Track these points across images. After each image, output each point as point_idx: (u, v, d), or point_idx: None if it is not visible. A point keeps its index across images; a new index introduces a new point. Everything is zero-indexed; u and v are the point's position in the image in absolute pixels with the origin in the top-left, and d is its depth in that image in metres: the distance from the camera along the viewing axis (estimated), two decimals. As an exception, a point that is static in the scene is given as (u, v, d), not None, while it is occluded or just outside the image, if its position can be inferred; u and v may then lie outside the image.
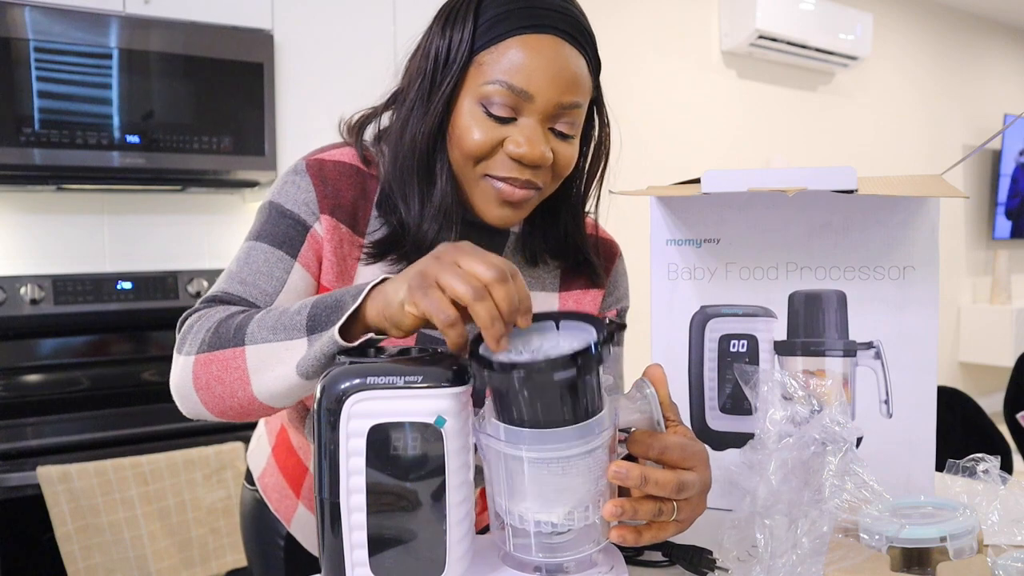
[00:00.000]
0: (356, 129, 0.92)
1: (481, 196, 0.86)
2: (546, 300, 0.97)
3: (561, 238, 0.96)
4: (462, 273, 0.62)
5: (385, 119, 0.92)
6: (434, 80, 0.84)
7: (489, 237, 0.93)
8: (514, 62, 0.80)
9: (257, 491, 1.07)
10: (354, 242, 0.89)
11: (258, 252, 0.88)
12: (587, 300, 0.99)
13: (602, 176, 0.96)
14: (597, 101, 0.92)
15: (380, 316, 0.69)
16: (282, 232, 0.89)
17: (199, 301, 0.87)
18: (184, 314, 0.86)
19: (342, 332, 0.70)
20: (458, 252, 0.64)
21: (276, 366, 0.74)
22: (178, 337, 0.83)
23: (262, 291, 0.86)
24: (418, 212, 0.87)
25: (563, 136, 0.85)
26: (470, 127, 0.82)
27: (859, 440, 0.93)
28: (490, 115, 0.82)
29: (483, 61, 0.81)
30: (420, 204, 0.87)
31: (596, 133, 0.94)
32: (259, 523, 1.07)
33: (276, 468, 1.03)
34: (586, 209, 0.97)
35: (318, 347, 0.71)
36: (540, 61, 0.80)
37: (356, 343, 0.71)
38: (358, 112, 0.93)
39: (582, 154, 0.93)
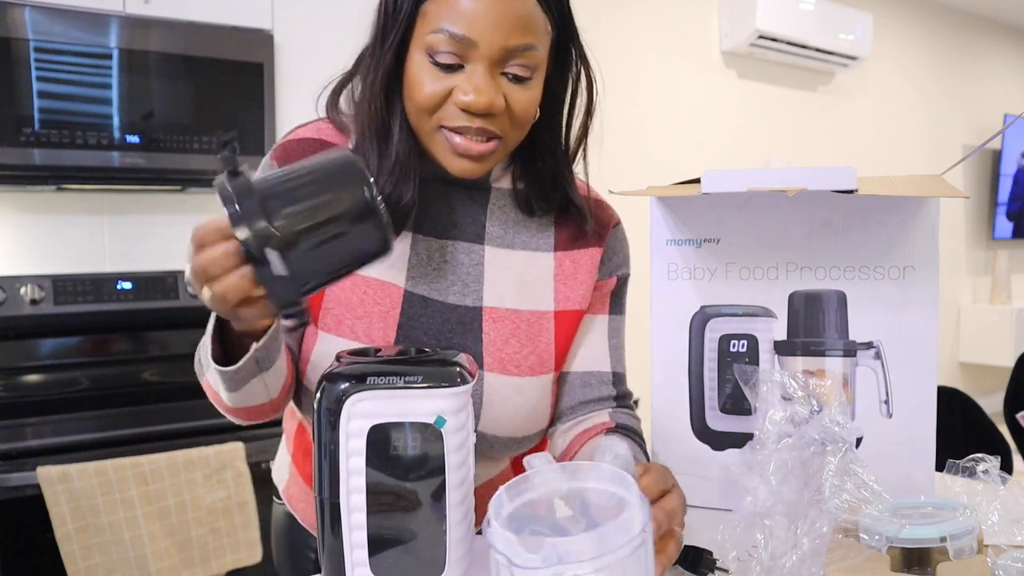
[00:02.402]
0: (330, 99, 0.92)
1: (439, 149, 0.85)
2: (541, 260, 0.94)
3: (547, 187, 0.93)
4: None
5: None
6: (385, 32, 0.83)
7: (469, 194, 0.92)
8: (455, 8, 0.78)
9: (285, 504, 1.04)
10: None
11: None
12: (585, 259, 0.96)
13: (587, 123, 0.92)
14: (572, 41, 0.89)
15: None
16: None
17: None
18: None
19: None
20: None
21: (221, 385, 0.80)
22: None
23: None
24: (375, 167, 0.86)
25: (518, 79, 0.82)
26: (419, 78, 0.81)
27: (859, 440, 0.93)
28: (437, 64, 0.80)
29: (427, 11, 0.80)
30: (378, 158, 0.86)
31: (572, 76, 0.90)
32: (289, 538, 1.04)
33: (298, 475, 1.01)
34: (575, 169, 0.94)
35: (214, 369, 0.76)
36: (481, 5, 0.78)
37: (238, 363, 0.74)
38: (331, 81, 0.93)
39: (557, 99, 0.91)
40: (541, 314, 0.93)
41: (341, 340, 0.88)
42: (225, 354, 0.76)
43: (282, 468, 1.05)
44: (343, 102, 0.91)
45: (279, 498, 1.06)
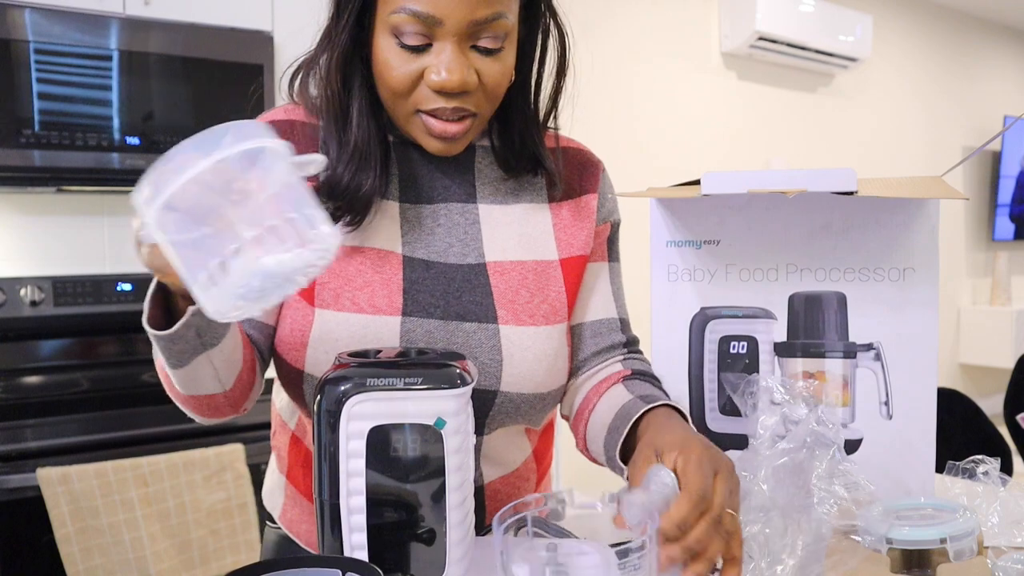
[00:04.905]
0: (291, 81, 0.89)
1: (417, 132, 0.83)
2: (538, 212, 0.93)
3: (516, 148, 0.91)
4: None
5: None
6: (339, 11, 0.80)
7: (454, 155, 0.90)
8: None
9: (280, 528, 0.97)
10: None
11: None
12: (580, 207, 0.95)
13: (560, 84, 0.90)
14: (544, 1, 0.86)
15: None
16: None
17: None
18: None
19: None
20: None
21: (166, 362, 0.74)
22: None
23: None
24: (335, 154, 0.84)
25: (488, 52, 0.79)
26: (387, 62, 0.79)
27: (859, 442, 0.93)
28: (404, 46, 0.77)
29: None
30: (337, 145, 0.84)
31: (540, 36, 0.88)
32: None
33: (297, 494, 0.94)
34: (550, 125, 0.93)
35: (152, 335, 0.70)
36: None
37: (174, 327, 0.68)
38: (294, 62, 0.89)
39: (528, 58, 0.88)
40: (547, 263, 0.92)
41: (343, 314, 0.84)
42: (169, 325, 0.70)
43: (275, 492, 0.98)
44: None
45: (273, 522, 1.00)
